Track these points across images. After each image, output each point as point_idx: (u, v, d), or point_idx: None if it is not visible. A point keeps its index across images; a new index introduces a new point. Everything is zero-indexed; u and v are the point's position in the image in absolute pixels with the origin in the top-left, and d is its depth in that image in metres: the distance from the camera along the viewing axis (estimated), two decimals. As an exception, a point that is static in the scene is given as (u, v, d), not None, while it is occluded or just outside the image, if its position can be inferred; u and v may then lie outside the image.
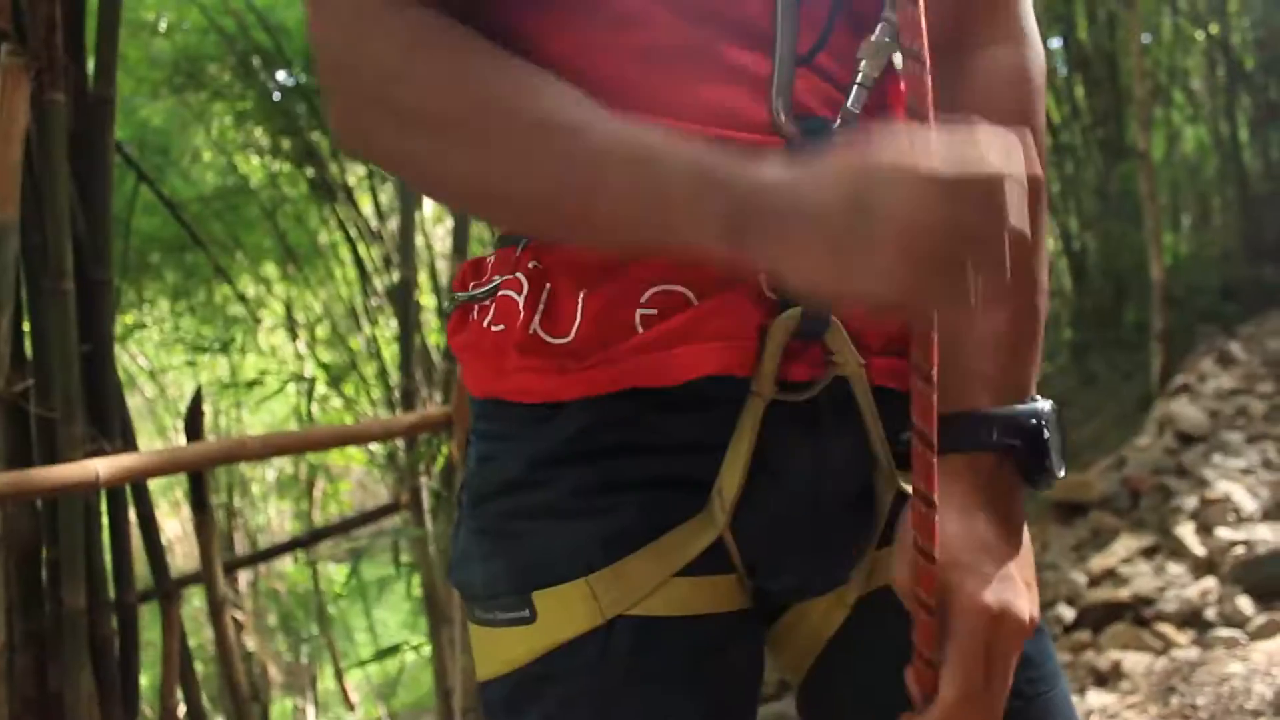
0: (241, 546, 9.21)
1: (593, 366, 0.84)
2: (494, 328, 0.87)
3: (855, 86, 0.84)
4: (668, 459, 0.86)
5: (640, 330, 0.83)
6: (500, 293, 0.87)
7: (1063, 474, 0.86)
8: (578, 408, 0.86)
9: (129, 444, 2.44)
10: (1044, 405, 0.85)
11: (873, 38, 0.84)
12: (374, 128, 0.81)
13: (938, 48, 0.79)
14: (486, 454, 0.92)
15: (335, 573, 9.06)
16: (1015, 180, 0.65)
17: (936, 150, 0.64)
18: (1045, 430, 0.84)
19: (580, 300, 0.84)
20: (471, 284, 0.93)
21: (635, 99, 0.79)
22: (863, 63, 0.84)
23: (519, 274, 0.86)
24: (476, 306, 0.91)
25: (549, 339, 0.85)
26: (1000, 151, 0.65)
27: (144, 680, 2.46)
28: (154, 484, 2.49)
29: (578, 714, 0.87)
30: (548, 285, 0.85)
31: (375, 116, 0.80)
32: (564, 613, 0.86)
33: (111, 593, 2.35)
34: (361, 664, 7.44)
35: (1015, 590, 0.81)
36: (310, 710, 9.31)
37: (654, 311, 0.83)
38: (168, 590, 2.53)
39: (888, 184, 0.63)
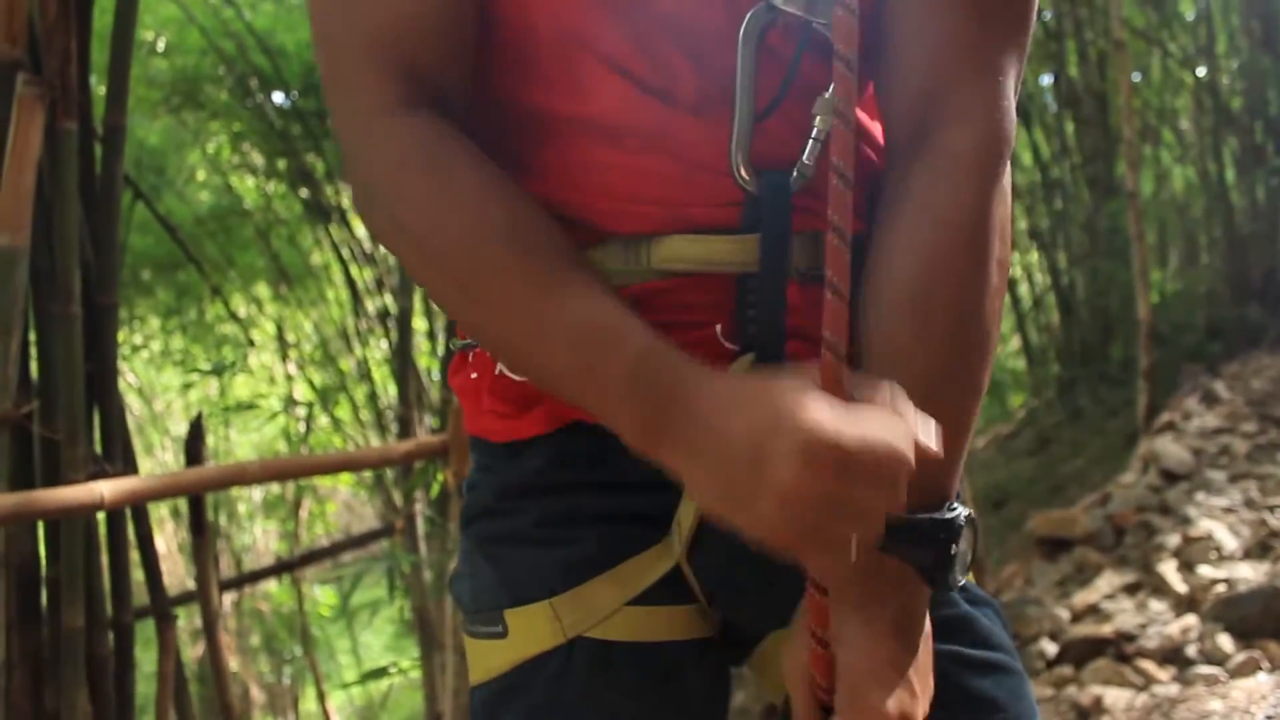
0: (226, 566, 9.17)
1: (547, 402, 0.93)
2: (473, 375, 0.99)
3: (810, 141, 0.89)
4: (627, 496, 0.94)
5: None
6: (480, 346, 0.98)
7: (963, 582, 0.84)
8: (541, 444, 0.95)
9: (130, 466, 2.46)
10: (958, 515, 0.83)
11: (827, 94, 0.87)
12: (374, 222, 0.90)
13: (905, 134, 0.87)
14: (473, 483, 1.03)
15: (320, 593, 9.02)
16: (906, 464, 0.68)
17: (841, 422, 0.67)
18: (953, 545, 0.82)
19: None
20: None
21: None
22: (817, 118, 0.88)
23: None
24: (472, 353, 1.00)
25: (513, 376, 0.94)
26: (902, 435, 0.68)
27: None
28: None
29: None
30: None
31: (375, 213, 0.89)
32: (531, 631, 0.95)
33: (109, 612, 2.37)
34: (347, 686, 7.41)
35: (912, 698, 0.82)
36: (292, 732, 9.27)
37: None
38: (164, 611, 2.54)
39: (784, 449, 0.67)
